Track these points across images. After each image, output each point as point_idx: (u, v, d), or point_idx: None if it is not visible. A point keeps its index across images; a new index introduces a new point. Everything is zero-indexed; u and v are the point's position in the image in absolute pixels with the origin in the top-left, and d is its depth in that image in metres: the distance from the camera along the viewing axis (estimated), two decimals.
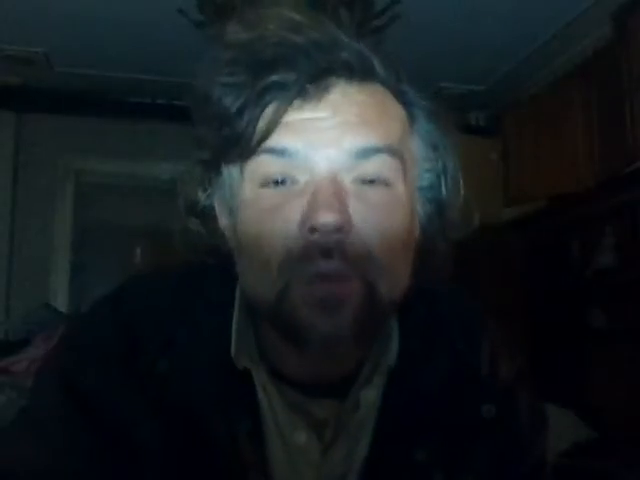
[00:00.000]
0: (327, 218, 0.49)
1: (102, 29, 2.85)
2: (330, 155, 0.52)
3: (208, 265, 0.62)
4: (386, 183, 0.53)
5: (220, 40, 0.57)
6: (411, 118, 0.58)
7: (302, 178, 0.52)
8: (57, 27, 2.85)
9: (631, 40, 2.39)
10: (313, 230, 0.50)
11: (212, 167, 0.58)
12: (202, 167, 0.59)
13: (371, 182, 0.53)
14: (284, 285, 0.52)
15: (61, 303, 3.51)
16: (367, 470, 0.60)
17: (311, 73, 0.52)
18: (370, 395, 0.60)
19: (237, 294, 0.61)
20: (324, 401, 0.60)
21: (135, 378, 0.57)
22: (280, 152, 0.52)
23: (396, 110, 0.57)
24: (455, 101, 3.53)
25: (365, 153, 0.52)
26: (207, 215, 0.60)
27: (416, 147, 0.58)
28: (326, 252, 0.50)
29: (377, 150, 0.53)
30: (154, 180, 3.89)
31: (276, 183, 0.53)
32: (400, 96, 0.57)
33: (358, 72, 0.54)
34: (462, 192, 0.60)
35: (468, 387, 0.63)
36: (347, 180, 0.52)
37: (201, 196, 0.59)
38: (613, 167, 2.46)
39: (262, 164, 0.53)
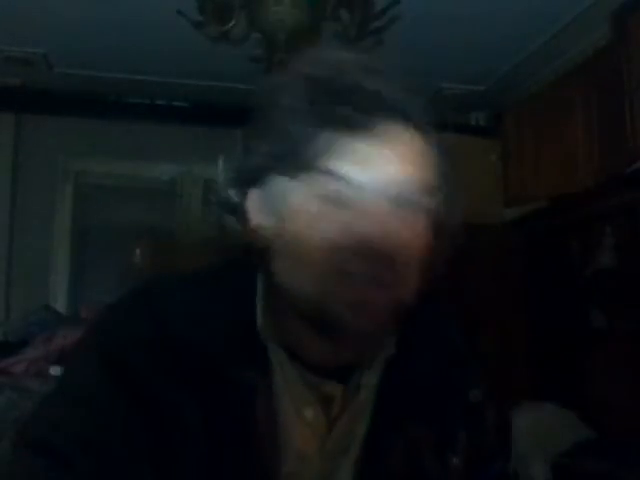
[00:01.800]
0: (379, 248, 0.59)
1: (102, 30, 2.85)
2: (380, 184, 0.60)
3: (226, 262, 0.71)
4: (420, 210, 0.63)
5: (291, 71, 0.65)
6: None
7: (359, 200, 0.60)
8: (56, 28, 2.85)
9: (631, 40, 2.39)
10: (365, 254, 0.59)
11: (259, 173, 0.65)
12: (245, 171, 0.67)
13: (409, 208, 0.62)
14: (326, 285, 0.60)
15: (61, 303, 3.51)
16: (366, 444, 0.68)
17: (378, 117, 0.61)
18: (370, 379, 0.69)
19: (259, 284, 0.68)
20: (331, 382, 0.68)
21: (167, 353, 0.63)
22: (343, 176, 0.60)
23: (424, 148, 0.65)
24: (455, 101, 3.54)
25: (416, 183, 0.62)
26: (238, 211, 0.67)
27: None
28: (367, 261, 0.59)
29: (423, 181, 0.62)
30: (154, 180, 3.89)
31: (333, 201, 0.60)
32: (424, 136, 0.65)
33: (411, 120, 0.63)
34: (458, 215, 0.68)
35: (457, 375, 0.74)
36: (390, 204, 0.61)
37: (233, 194, 0.68)
38: (613, 167, 2.46)
39: (322, 180, 0.60)
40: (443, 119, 0.68)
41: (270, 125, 0.63)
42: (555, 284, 2.80)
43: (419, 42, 2.89)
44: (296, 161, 0.61)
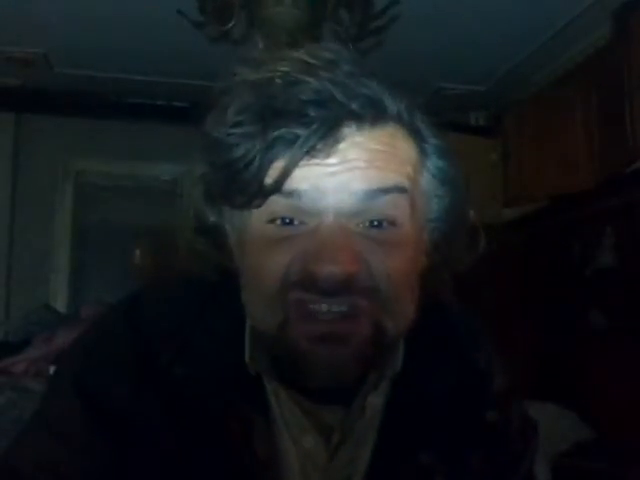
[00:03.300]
0: (333, 269, 0.51)
1: (102, 29, 2.85)
2: (338, 199, 0.53)
3: (220, 277, 0.63)
4: (393, 223, 0.55)
5: (236, 79, 0.57)
6: (422, 154, 0.59)
7: (309, 220, 0.54)
8: (57, 27, 2.85)
9: (631, 40, 2.39)
10: (317, 277, 0.51)
11: (222, 201, 0.59)
12: (210, 197, 0.60)
13: (378, 224, 0.54)
14: (284, 319, 0.54)
15: (61, 304, 3.51)
16: (371, 472, 0.62)
17: (321, 129, 0.52)
18: (376, 401, 0.63)
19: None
20: (331, 407, 0.62)
21: (150, 382, 0.59)
22: (289, 194, 0.53)
23: (406, 149, 0.57)
24: (455, 101, 3.54)
25: (372, 195, 0.53)
26: (216, 233, 0.61)
27: (426, 182, 0.60)
28: (330, 292, 0.52)
29: (384, 191, 0.54)
30: (154, 180, 3.89)
31: (284, 222, 0.54)
32: (412, 133, 0.58)
33: (368, 119, 0.54)
34: (469, 224, 0.62)
35: (470, 393, 0.65)
36: (354, 222, 0.54)
37: (210, 213, 0.61)
38: (613, 167, 2.46)
39: (271, 203, 0.54)
40: (443, 119, 0.62)
41: (215, 148, 0.56)
42: (555, 284, 2.80)
43: (419, 42, 2.89)
44: (245, 183, 0.53)
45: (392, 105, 0.56)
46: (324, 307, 0.52)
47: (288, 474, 0.61)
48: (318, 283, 0.51)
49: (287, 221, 0.54)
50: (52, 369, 1.83)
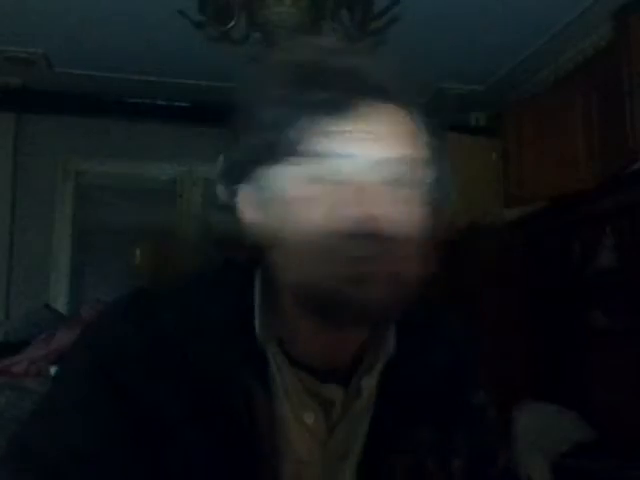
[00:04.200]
0: (365, 210, 0.58)
1: (102, 29, 2.85)
2: (368, 161, 0.61)
3: (223, 262, 0.69)
4: (412, 184, 0.63)
5: (262, 62, 0.65)
6: (419, 130, 0.66)
7: (344, 179, 0.60)
8: (57, 27, 2.85)
9: (631, 40, 2.39)
10: (353, 221, 0.58)
11: (247, 167, 0.64)
12: (232, 167, 0.66)
13: (398, 184, 0.62)
14: (327, 269, 0.59)
15: (61, 304, 3.51)
16: (367, 450, 0.67)
17: (352, 96, 0.60)
18: (370, 382, 0.68)
19: (256, 284, 0.67)
20: (331, 386, 0.66)
21: (160, 361, 0.62)
22: (324, 155, 0.60)
23: (410, 126, 0.65)
24: (455, 101, 3.54)
25: (398, 159, 0.62)
26: (229, 209, 0.66)
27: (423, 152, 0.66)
28: (363, 237, 0.58)
29: (406, 157, 0.62)
30: (154, 180, 3.89)
31: (320, 182, 0.60)
32: (410, 115, 0.65)
33: (389, 96, 0.63)
34: (453, 199, 0.69)
35: (458, 377, 0.72)
36: (380, 181, 0.61)
37: (223, 192, 0.67)
38: (613, 167, 2.46)
39: (306, 166, 0.60)
40: (443, 119, 0.67)
41: (251, 116, 0.62)
42: (555, 284, 2.80)
43: (419, 42, 2.89)
44: (281, 148, 0.60)
45: (397, 88, 0.64)
46: (359, 252, 0.58)
47: (290, 448, 0.65)
48: (355, 225, 0.58)
49: (324, 180, 0.60)
50: (52, 369, 1.83)
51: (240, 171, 0.64)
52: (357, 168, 0.60)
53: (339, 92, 0.59)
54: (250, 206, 0.65)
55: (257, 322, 0.65)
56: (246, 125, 0.63)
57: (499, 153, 3.27)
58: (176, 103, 3.58)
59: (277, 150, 0.60)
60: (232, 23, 2.16)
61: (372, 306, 0.60)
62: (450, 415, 0.69)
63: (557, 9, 2.67)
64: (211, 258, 0.72)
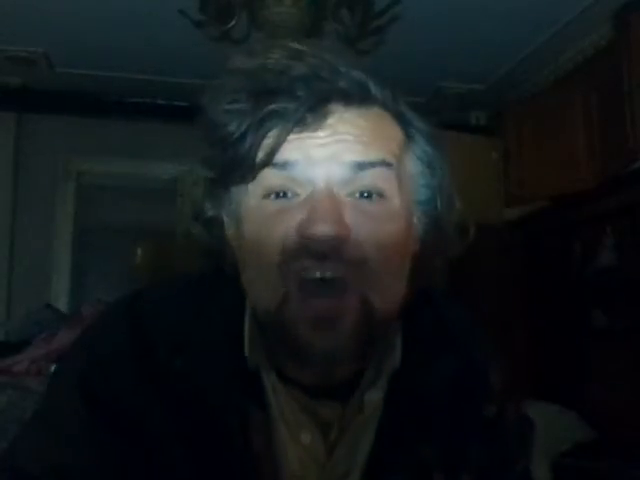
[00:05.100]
0: (324, 229, 0.53)
1: (102, 29, 2.85)
2: (328, 169, 0.55)
3: (220, 272, 0.64)
4: (381, 195, 0.57)
5: (229, 67, 0.60)
6: (408, 137, 0.62)
7: (302, 191, 0.56)
8: (57, 27, 2.85)
9: (631, 40, 2.39)
10: (310, 238, 0.53)
11: (220, 184, 0.61)
12: (210, 184, 0.63)
13: (367, 194, 0.56)
14: (282, 298, 0.55)
15: (62, 304, 3.51)
16: (369, 468, 0.62)
17: (310, 102, 0.56)
18: (374, 397, 0.63)
19: (247, 302, 0.63)
20: (329, 403, 0.62)
21: (150, 378, 0.60)
22: (281, 165, 0.56)
23: (392, 130, 0.61)
24: (455, 101, 3.54)
25: (360, 167, 0.56)
26: (213, 224, 0.63)
27: (412, 164, 0.62)
28: (322, 255, 0.53)
29: (372, 164, 0.56)
30: (154, 180, 3.89)
31: (277, 195, 0.56)
32: (397, 117, 0.61)
33: (355, 98, 0.58)
34: (458, 209, 0.64)
35: (468, 388, 0.66)
36: (344, 192, 0.56)
37: (208, 207, 0.63)
38: (613, 167, 2.46)
39: (265, 177, 0.57)
40: (443, 119, 0.65)
41: (211, 127, 0.60)
42: (555, 284, 2.80)
43: (419, 42, 2.89)
44: (243, 163, 0.57)
45: (377, 90, 0.59)
46: (317, 274, 0.53)
47: (287, 469, 0.62)
48: (312, 245, 0.53)
49: (281, 194, 0.56)
50: (53, 368, 1.83)
51: (215, 188, 0.62)
52: (316, 178, 0.55)
53: (299, 99, 0.55)
54: (229, 223, 0.62)
55: (246, 346, 0.61)
56: (208, 141, 0.61)
57: (499, 153, 3.26)
58: (176, 103, 3.58)
59: (235, 158, 0.57)
60: (233, 23, 2.16)
61: (341, 349, 0.55)
62: (460, 428, 0.64)
63: (557, 8, 2.66)
64: (209, 261, 0.69)
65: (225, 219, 0.62)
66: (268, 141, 0.56)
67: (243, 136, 0.56)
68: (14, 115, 3.55)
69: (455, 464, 0.63)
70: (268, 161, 0.56)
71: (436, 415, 0.63)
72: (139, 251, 3.91)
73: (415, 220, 0.62)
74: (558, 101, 2.89)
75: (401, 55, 2.89)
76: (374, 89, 0.59)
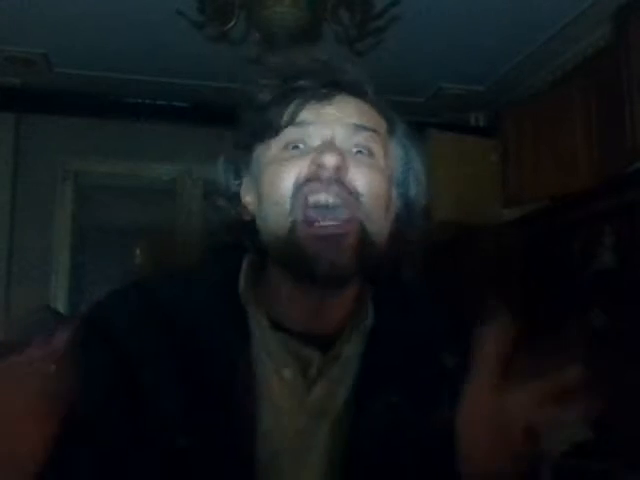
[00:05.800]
0: (331, 159, 0.68)
1: (102, 29, 2.85)
2: (334, 128, 0.72)
3: (226, 248, 0.79)
4: (371, 153, 0.74)
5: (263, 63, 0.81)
6: (391, 129, 0.78)
7: (314, 143, 0.72)
8: (57, 28, 2.85)
9: (631, 40, 2.39)
10: (320, 165, 0.68)
11: (247, 148, 0.77)
12: (238, 152, 0.78)
13: (361, 151, 0.73)
14: (292, 224, 0.68)
15: (61, 304, 3.51)
16: (347, 408, 0.73)
17: (323, 83, 0.74)
18: (349, 349, 0.75)
19: (244, 261, 0.77)
20: (311, 347, 0.73)
21: (152, 324, 0.71)
22: (299, 124, 0.73)
23: (380, 120, 0.77)
24: (455, 101, 3.54)
25: (358, 128, 0.73)
26: (234, 198, 0.78)
27: (393, 149, 0.78)
28: (328, 180, 0.68)
29: (366, 128, 0.74)
30: (154, 180, 3.89)
31: (295, 147, 0.72)
32: (383, 112, 0.78)
33: (355, 89, 0.76)
34: (425, 199, 0.79)
35: (433, 341, 0.78)
36: (344, 147, 0.72)
37: (233, 184, 0.78)
38: (613, 167, 2.46)
39: (285, 134, 0.73)
40: (443, 119, 0.72)
41: (248, 105, 0.76)
42: (555, 284, 2.80)
43: (419, 42, 2.89)
44: (268, 129, 0.73)
45: (369, 89, 0.77)
46: (323, 197, 0.68)
47: (268, 400, 0.71)
48: (320, 171, 0.68)
49: (297, 146, 0.72)
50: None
51: (242, 161, 0.77)
52: (325, 134, 0.71)
53: (315, 82, 0.73)
54: (246, 189, 0.77)
55: (241, 286, 0.74)
56: (244, 108, 0.77)
57: (499, 153, 3.27)
58: (176, 103, 3.58)
59: (265, 131, 0.73)
60: (232, 23, 2.16)
61: (344, 261, 0.68)
62: (426, 375, 0.75)
63: (557, 9, 2.67)
64: (207, 256, 0.83)
65: (244, 187, 0.77)
66: (290, 108, 0.72)
67: (273, 103, 0.73)
68: (13, 115, 3.55)
69: (423, 407, 0.73)
70: (290, 121, 0.72)
71: (405, 364, 0.75)
72: (138, 251, 3.91)
73: (394, 195, 0.76)
74: (558, 101, 2.89)
75: (401, 55, 2.90)
76: (368, 88, 0.76)
